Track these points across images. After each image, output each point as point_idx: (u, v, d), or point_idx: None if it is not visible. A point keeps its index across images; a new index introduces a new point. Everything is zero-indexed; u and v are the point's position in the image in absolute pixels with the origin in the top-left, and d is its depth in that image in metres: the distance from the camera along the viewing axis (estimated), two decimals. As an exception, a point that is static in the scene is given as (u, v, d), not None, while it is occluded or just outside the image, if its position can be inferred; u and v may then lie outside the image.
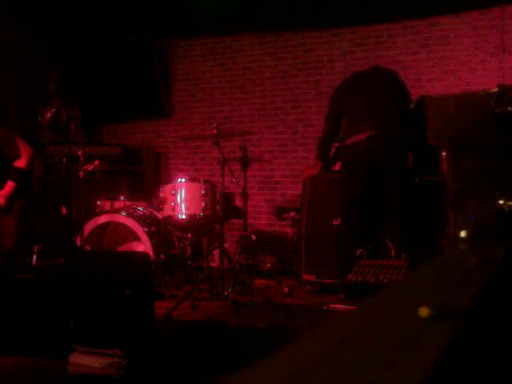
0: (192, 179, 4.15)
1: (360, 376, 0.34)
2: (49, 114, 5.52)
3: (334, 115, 4.16)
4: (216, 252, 4.62)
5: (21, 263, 4.03)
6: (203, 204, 3.97)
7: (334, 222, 4.33)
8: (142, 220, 4.24)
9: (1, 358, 2.84)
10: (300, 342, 0.38)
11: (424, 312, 0.43)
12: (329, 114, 4.22)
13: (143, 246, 4.16)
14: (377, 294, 0.49)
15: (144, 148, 5.95)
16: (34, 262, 4.04)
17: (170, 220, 4.08)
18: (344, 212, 4.01)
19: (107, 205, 4.61)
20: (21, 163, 3.97)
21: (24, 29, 5.44)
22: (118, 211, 4.33)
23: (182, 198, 3.99)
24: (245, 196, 4.27)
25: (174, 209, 3.98)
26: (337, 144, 4.30)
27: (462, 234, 0.83)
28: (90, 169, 4.27)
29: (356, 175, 3.89)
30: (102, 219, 4.29)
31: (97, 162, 4.31)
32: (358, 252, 3.43)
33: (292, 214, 5.09)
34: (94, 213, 4.45)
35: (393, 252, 3.51)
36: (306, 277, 4.34)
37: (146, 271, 2.92)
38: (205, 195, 3.99)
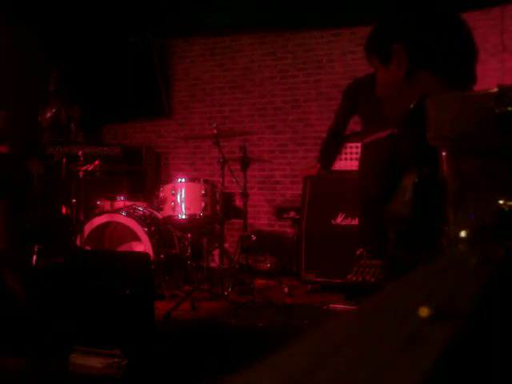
0: (192, 179, 4.15)
1: (360, 376, 0.34)
2: (49, 114, 5.52)
3: (343, 111, 4.06)
4: (216, 252, 4.62)
5: (20, 263, 4.03)
6: (203, 204, 3.97)
7: (332, 221, 4.33)
8: (142, 220, 4.24)
9: (1, 358, 2.84)
10: (300, 341, 0.38)
11: (424, 312, 0.43)
12: (338, 110, 4.12)
13: (143, 245, 4.16)
14: (377, 294, 0.49)
15: (144, 148, 5.95)
16: (33, 262, 4.04)
17: (170, 220, 4.09)
18: (364, 211, 3.92)
19: (107, 205, 4.61)
20: None
21: (24, 29, 5.44)
22: (117, 211, 4.34)
23: (182, 198, 4.00)
24: (245, 196, 4.27)
25: (174, 209, 3.98)
26: (337, 143, 4.29)
27: (462, 234, 0.83)
28: (90, 169, 4.27)
29: (377, 173, 3.79)
30: (102, 219, 4.29)
31: (97, 162, 4.31)
32: (358, 252, 3.43)
33: (292, 213, 5.10)
34: (93, 213, 4.46)
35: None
36: (306, 276, 4.34)
37: (146, 271, 2.92)
38: (205, 195, 3.99)
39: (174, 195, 3.99)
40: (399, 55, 1.20)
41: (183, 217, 3.98)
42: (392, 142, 3.74)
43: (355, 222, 4.15)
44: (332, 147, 4.29)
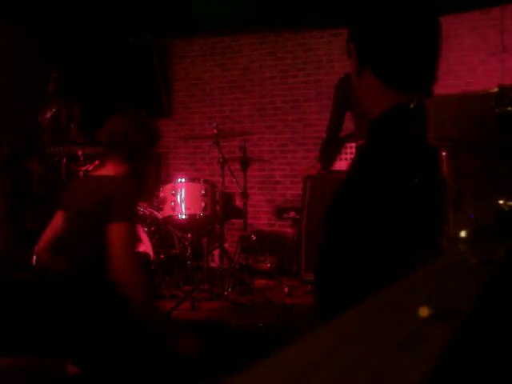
0: (192, 179, 4.15)
1: (360, 376, 0.34)
2: (49, 114, 5.51)
3: (335, 107, 4.05)
4: (216, 252, 4.62)
5: (20, 263, 4.03)
6: (203, 204, 3.97)
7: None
8: (142, 220, 4.24)
9: (1, 358, 2.85)
10: (300, 341, 0.38)
11: (424, 312, 0.43)
12: (331, 110, 4.12)
13: (143, 245, 4.16)
14: (377, 294, 0.49)
15: (144, 148, 5.95)
16: (34, 261, 4.04)
17: (170, 220, 4.08)
18: None
19: (107, 205, 4.61)
20: None
21: (24, 29, 5.44)
22: (117, 211, 4.33)
23: (181, 198, 3.99)
24: (245, 196, 4.27)
25: (174, 209, 3.98)
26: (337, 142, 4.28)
27: (462, 234, 0.83)
28: (89, 169, 4.27)
29: None
30: (102, 219, 4.28)
31: (97, 162, 4.31)
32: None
33: (292, 213, 5.10)
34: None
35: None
36: (306, 276, 4.34)
37: (146, 271, 2.92)
38: (205, 195, 3.99)
39: (174, 195, 3.99)
40: (353, 54, 1.21)
41: (183, 217, 3.98)
42: None
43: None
44: (332, 147, 4.29)
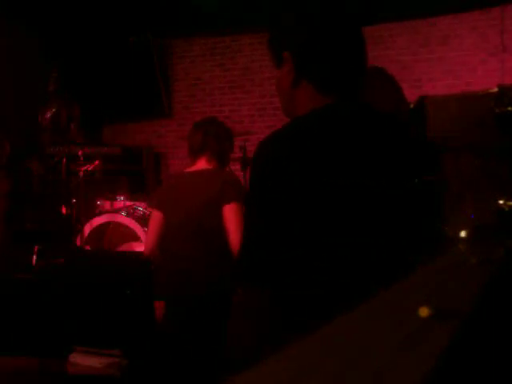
0: (192, 179, 4.15)
1: (360, 376, 0.34)
2: (49, 114, 5.51)
3: None
4: (216, 252, 4.61)
5: (20, 263, 4.03)
6: (203, 204, 3.96)
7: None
8: (142, 220, 4.23)
9: (1, 358, 2.84)
10: (301, 342, 0.38)
11: (424, 312, 0.43)
12: None
13: (143, 246, 4.16)
14: (377, 294, 0.49)
15: (144, 148, 5.95)
16: (33, 262, 4.04)
17: (170, 220, 4.09)
18: None
19: (107, 205, 4.61)
20: None
21: (24, 29, 5.44)
22: (117, 211, 4.33)
23: (181, 198, 3.99)
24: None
25: (173, 209, 3.98)
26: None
27: (462, 234, 0.83)
28: (89, 169, 4.27)
29: None
30: (102, 219, 4.29)
31: (97, 162, 4.31)
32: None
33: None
34: (93, 213, 4.45)
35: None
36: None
37: (146, 271, 2.92)
38: (205, 195, 3.99)
39: (174, 195, 3.99)
40: (289, 63, 1.22)
41: (183, 217, 3.98)
42: None
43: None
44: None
